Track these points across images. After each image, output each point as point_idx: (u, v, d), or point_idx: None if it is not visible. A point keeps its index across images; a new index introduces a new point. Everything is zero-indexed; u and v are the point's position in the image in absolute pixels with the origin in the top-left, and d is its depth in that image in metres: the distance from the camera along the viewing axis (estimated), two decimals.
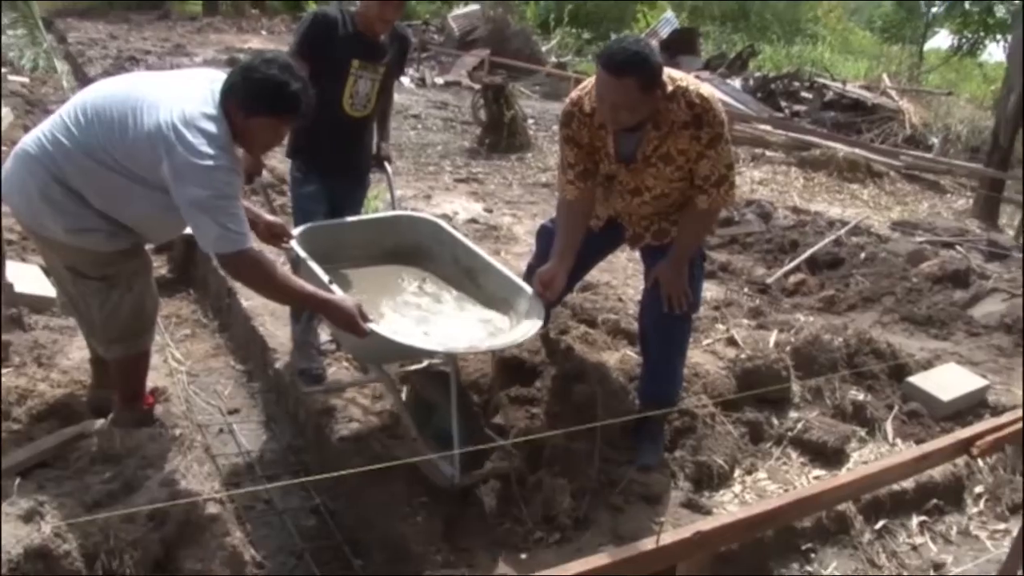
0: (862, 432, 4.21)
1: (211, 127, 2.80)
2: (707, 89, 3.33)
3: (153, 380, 3.82)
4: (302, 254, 3.39)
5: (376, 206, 6.50)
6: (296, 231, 3.60)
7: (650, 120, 3.26)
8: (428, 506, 3.34)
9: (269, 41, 18.74)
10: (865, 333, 4.91)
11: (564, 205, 3.59)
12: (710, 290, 6.11)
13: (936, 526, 3.81)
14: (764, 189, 10.88)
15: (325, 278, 3.25)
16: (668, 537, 2.08)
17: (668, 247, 3.55)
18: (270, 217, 3.54)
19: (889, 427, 4.29)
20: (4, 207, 3.21)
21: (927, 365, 4.85)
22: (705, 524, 2.17)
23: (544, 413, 3.73)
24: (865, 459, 4.01)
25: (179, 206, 2.83)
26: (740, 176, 11.16)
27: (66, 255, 3.11)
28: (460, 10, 21.61)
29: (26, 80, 11.01)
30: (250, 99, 2.85)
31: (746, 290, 6.57)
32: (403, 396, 3.74)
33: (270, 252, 3.32)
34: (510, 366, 3.95)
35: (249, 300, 4.97)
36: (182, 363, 4.75)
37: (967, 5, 26.71)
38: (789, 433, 4.06)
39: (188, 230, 3.11)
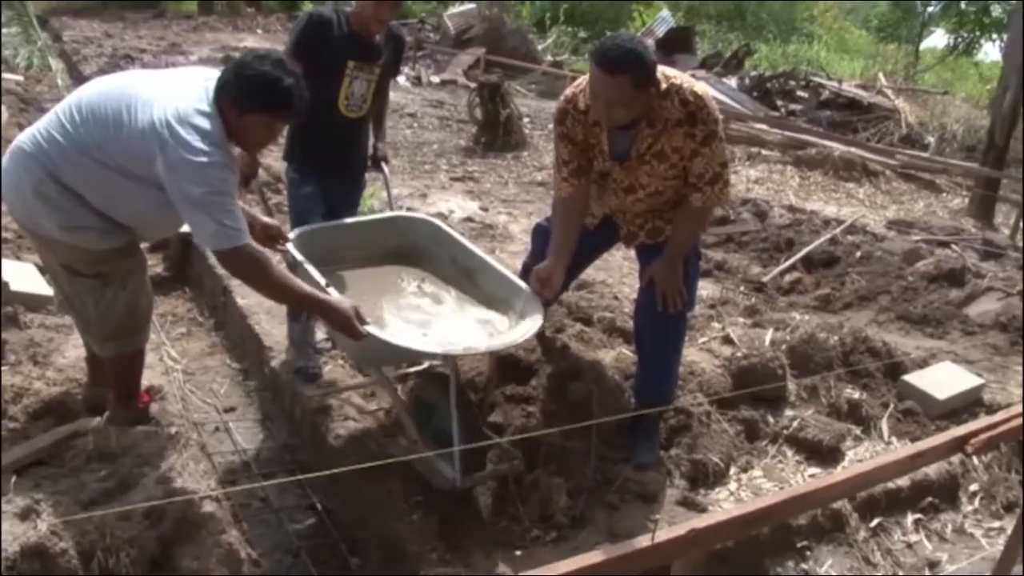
0: (857, 430, 4.21)
1: (205, 123, 2.80)
2: (701, 87, 3.34)
3: (149, 378, 3.81)
4: (298, 257, 3.38)
5: (371, 204, 6.50)
6: (292, 234, 3.58)
7: (644, 118, 3.27)
8: (424, 504, 3.34)
9: (264, 40, 18.70)
10: (861, 331, 4.92)
11: (559, 203, 3.59)
12: (706, 288, 6.11)
13: (931, 524, 3.82)
14: (760, 188, 10.89)
15: (322, 281, 3.23)
16: (663, 535, 2.08)
17: (663, 246, 3.55)
18: (266, 219, 3.53)
19: (884, 425, 4.30)
20: (1, 205, 3.21)
21: (922, 364, 4.86)
22: (700, 521, 2.17)
23: (540, 412, 3.73)
24: (860, 457, 4.01)
25: (175, 203, 2.83)
26: (736, 175, 11.18)
27: (61, 253, 3.11)
28: (456, 9, 21.59)
29: (20, 78, 10.97)
30: (243, 96, 2.85)
31: (742, 288, 6.57)
32: (402, 398, 3.73)
33: (268, 254, 3.31)
34: (506, 364, 3.95)
35: (245, 298, 4.97)
36: (178, 361, 4.75)
37: (963, 5, 26.77)
38: (785, 431, 4.06)
39: (184, 228, 3.12)
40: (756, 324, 5.12)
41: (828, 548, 3.50)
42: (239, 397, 4.55)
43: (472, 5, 21.19)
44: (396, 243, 3.95)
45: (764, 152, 13.03)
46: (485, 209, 8.21)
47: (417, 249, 3.94)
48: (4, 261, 4.43)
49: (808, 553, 3.45)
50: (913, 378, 4.59)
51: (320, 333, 4.45)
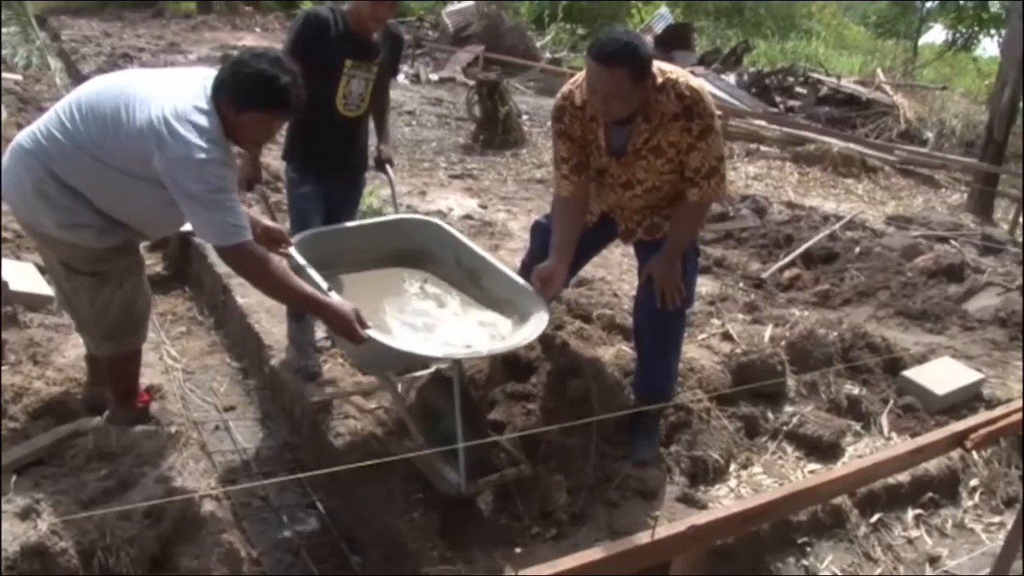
0: (857, 426, 4.21)
1: (202, 120, 2.80)
2: (696, 81, 3.34)
3: (149, 377, 3.82)
4: (301, 261, 3.34)
5: (370, 203, 6.50)
6: (295, 238, 3.55)
7: (640, 113, 3.27)
8: (425, 502, 3.35)
9: (263, 39, 18.67)
10: (860, 327, 4.92)
11: (560, 201, 3.59)
12: (705, 285, 6.11)
13: (931, 519, 3.82)
14: (759, 184, 10.88)
15: (324, 285, 3.20)
16: (663, 531, 2.08)
17: (661, 242, 3.55)
18: (269, 223, 3.50)
19: (884, 421, 4.30)
20: (1, 204, 3.22)
21: (922, 359, 4.86)
22: (700, 518, 2.17)
23: (540, 409, 3.73)
24: (860, 453, 4.02)
25: (177, 200, 2.83)
26: (735, 171, 11.19)
27: (60, 250, 3.12)
28: (454, 6, 21.54)
29: (19, 78, 10.96)
30: (240, 94, 2.85)
31: (741, 285, 6.58)
32: (407, 401, 3.71)
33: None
34: (506, 362, 3.95)
35: (244, 297, 4.97)
36: (178, 360, 4.75)
37: (961, 1, 26.74)
38: (784, 427, 4.06)
39: (185, 227, 3.12)
40: (755, 320, 5.13)
41: (828, 544, 3.50)
42: (239, 396, 4.55)
43: (470, 3, 21.14)
44: (400, 245, 3.92)
45: (763, 148, 13.03)
46: (484, 207, 8.21)
47: (421, 251, 3.91)
48: (4, 261, 4.43)
49: (808, 549, 3.45)
50: (913, 373, 4.60)
51: (320, 332, 4.44)
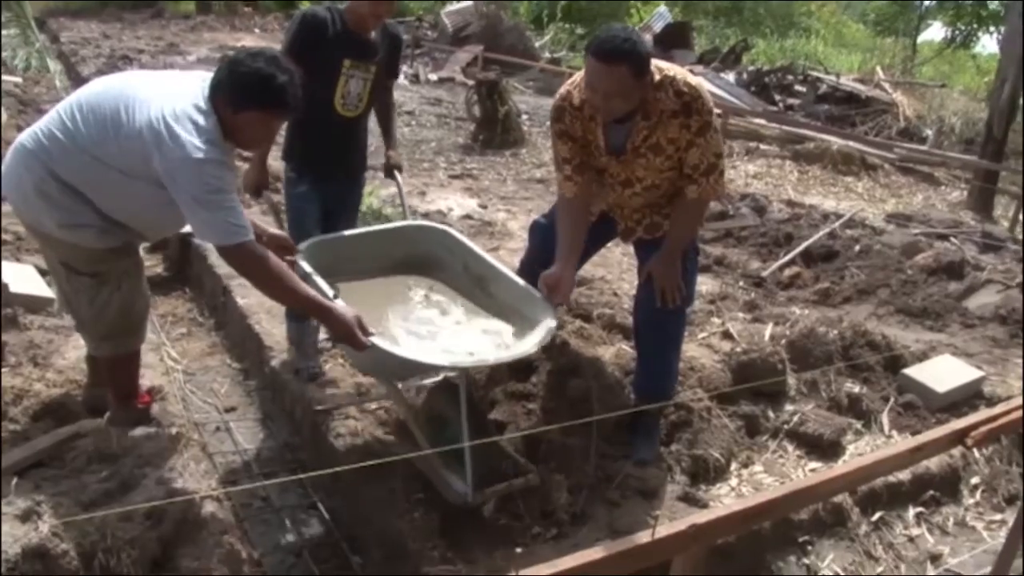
0: (858, 424, 4.21)
1: (200, 121, 2.80)
2: (694, 78, 3.34)
3: (149, 379, 3.83)
4: (308, 268, 3.32)
5: (370, 203, 6.50)
6: (302, 245, 3.51)
7: (639, 111, 3.26)
8: (425, 503, 3.34)
9: (262, 39, 18.67)
10: (860, 325, 4.92)
11: (564, 204, 3.56)
12: (705, 284, 6.11)
13: (933, 517, 3.82)
14: (758, 183, 10.88)
15: (330, 293, 3.17)
16: (664, 530, 2.07)
17: (661, 241, 3.54)
18: (275, 230, 3.49)
19: (885, 419, 4.30)
20: (1, 207, 3.23)
21: (922, 357, 4.86)
22: (700, 517, 2.16)
23: (540, 408, 3.73)
24: (861, 451, 4.01)
25: (176, 200, 2.83)
26: (734, 170, 11.18)
27: (61, 250, 3.14)
28: (453, 6, 21.54)
29: (19, 80, 10.96)
30: (237, 93, 2.84)
31: (741, 284, 6.57)
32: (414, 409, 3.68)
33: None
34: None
35: (245, 298, 4.96)
36: (178, 362, 4.74)
37: None
38: (785, 426, 4.06)
39: (186, 228, 3.12)
40: (756, 319, 5.13)
41: (830, 542, 3.50)
42: (240, 397, 4.55)
43: (469, 3, 21.14)
44: (407, 252, 3.88)
45: (762, 147, 13.04)
46: (484, 206, 8.20)
47: (429, 258, 3.87)
48: (4, 263, 4.44)
49: (810, 548, 3.45)
50: (913, 371, 4.60)
51: (322, 332, 4.43)
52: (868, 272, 6.78)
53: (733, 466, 3.79)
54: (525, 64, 17.79)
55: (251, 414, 4.40)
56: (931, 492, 3.90)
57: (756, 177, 11.28)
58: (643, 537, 2.06)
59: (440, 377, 3.74)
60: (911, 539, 3.67)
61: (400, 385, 3.68)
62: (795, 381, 4.32)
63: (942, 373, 4.60)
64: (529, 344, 3.27)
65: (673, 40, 19.84)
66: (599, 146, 3.43)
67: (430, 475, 3.34)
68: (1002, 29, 17.78)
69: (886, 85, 17.50)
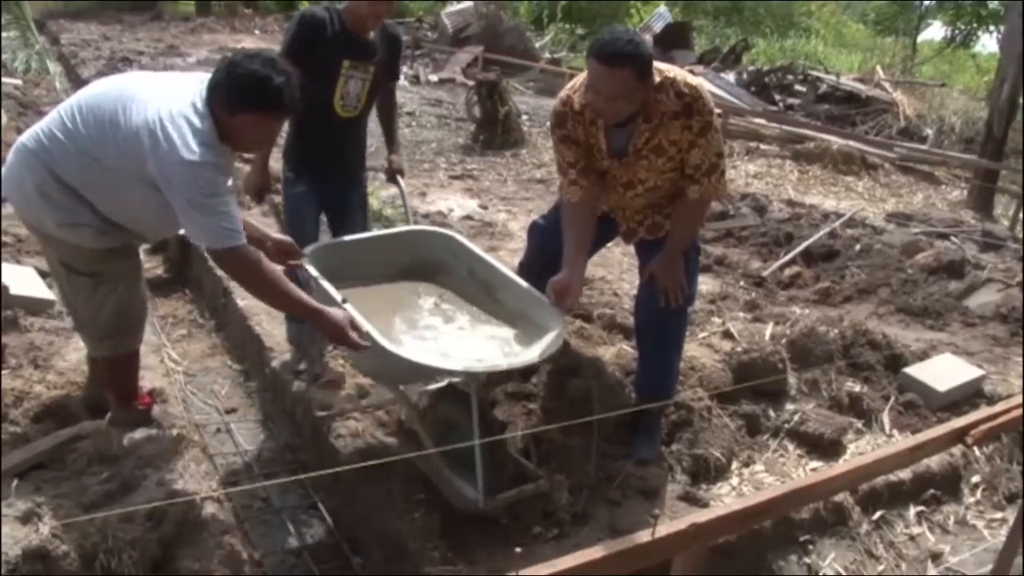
0: (859, 423, 4.22)
1: (196, 122, 2.79)
2: (694, 78, 3.34)
3: (150, 380, 3.83)
4: (314, 273, 3.30)
5: (370, 204, 6.48)
6: (307, 249, 3.49)
7: (640, 113, 3.26)
8: (426, 503, 3.34)
9: (262, 40, 18.67)
10: (861, 325, 4.92)
11: (570, 208, 3.52)
12: (706, 284, 6.11)
13: (933, 516, 3.83)
14: (759, 182, 10.87)
15: (338, 297, 3.14)
16: (664, 529, 2.07)
17: (662, 241, 3.55)
18: (279, 236, 3.47)
19: (886, 418, 4.30)
20: (1, 208, 3.24)
21: (923, 356, 4.86)
22: (701, 516, 2.16)
23: (540, 408, 3.73)
24: (862, 450, 4.01)
25: (171, 202, 2.83)
26: (735, 170, 11.18)
27: (61, 250, 3.15)
28: (453, 7, 21.53)
29: (19, 82, 10.96)
30: (233, 95, 2.83)
31: (742, 283, 6.57)
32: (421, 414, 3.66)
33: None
34: None
35: (245, 299, 4.96)
36: (179, 363, 4.75)
37: None
38: (786, 425, 4.07)
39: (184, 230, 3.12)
40: (756, 318, 5.13)
41: (830, 541, 3.50)
42: (240, 398, 4.55)
43: (469, 3, 21.14)
44: (412, 258, 3.84)
45: (763, 147, 13.03)
46: (484, 207, 8.20)
47: (434, 263, 3.83)
48: (4, 265, 4.44)
49: (811, 547, 3.45)
50: (914, 370, 4.60)
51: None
52: (868, 271, 6.77)
53: (734, 465, 3.79)
54: (525, 65, 17.79)
55: (252, 415, 4.41)
56: (932, 491, 3.90)
57: (756, 177, 11.27)
58: (643, 536, 2.06)
59: (444, 382, 3.71)
60: (912, 538, 3.67)
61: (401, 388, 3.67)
62: (796, 380, 4.33)
63: (943, 372, 4.60)
64: (538, 350, 3.23)
65: (673, 40, 19.83)
66: (601, 149, 3.43)
67: (437, 481, 3.33)
68: (1002, 28, 17.77)
69: (886, 85, 17.49)
